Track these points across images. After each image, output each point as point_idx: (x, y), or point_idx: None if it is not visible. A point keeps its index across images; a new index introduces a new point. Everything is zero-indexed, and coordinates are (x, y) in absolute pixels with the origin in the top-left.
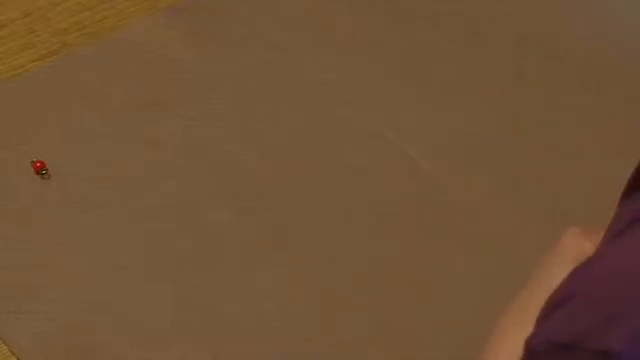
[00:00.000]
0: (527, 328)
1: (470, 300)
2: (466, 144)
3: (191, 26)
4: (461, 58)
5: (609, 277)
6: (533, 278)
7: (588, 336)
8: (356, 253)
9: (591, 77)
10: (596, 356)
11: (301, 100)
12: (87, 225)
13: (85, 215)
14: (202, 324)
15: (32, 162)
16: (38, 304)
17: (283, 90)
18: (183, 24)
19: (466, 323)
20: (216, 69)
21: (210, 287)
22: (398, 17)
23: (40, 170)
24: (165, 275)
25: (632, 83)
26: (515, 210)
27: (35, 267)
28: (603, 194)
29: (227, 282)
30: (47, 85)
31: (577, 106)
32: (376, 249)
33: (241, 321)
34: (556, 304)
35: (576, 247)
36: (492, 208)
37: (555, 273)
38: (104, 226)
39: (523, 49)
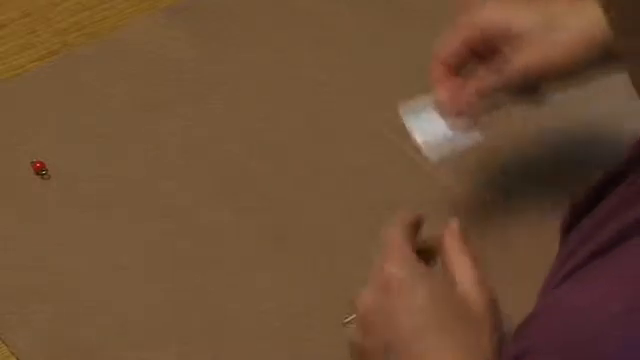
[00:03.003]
0: None
1: None
2: None
3: (191, 26)
4: None
5: (562, 327)
6: None
7: None
8: (356, 253)
9: None
10: None
11: (301, 100)
12: (87, 225)
13: (85, 215)
14: (202, 324)
15: (32, 162)
16: (38, 304)
17: (283, 90)
18: (183, 24)
19: None
20: (216, 69)
21: (210, 287)
22: (398, 17)
23: (40, 170)
24: (165, 275)
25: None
26: (515, 210)
27: (35, 267)
28: None
29: (227, 282)
30: (47, 85)
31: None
32: (376, 249)
33: (241, 321)
34: None
35: None
36: (492, 208)
37: None
38: (104, 226)
39: None
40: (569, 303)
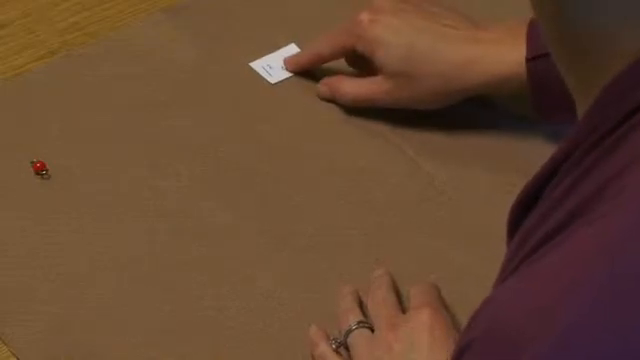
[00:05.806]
0: None
1: (470, 300)
2: (466, 144)
3: (191, 26)
4: None
5: (486, 320)
6: None
7: None
8: (356, 253)
9: None
10: None
11: (301, 99)
12: (87, 225)
13: (85, 215)
14: (202, 324)
15: (32, 162)
16: (38, 304)
17: (283, 90)
18: (183, 24)
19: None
20: (216, 69)
21: (210, 287)
22: None
23: (40, 170)
24: (165, 275)
25: None
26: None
27: (35, 267)
28: None
29: (227, 282)
30: (47, 85)
31: None
32: (376, 249)
33: (241, 321)
34: (459, 354)
35: None
36: (492, 208)
37: None
38: (104, 226)
39: None
40: (496, 296)
